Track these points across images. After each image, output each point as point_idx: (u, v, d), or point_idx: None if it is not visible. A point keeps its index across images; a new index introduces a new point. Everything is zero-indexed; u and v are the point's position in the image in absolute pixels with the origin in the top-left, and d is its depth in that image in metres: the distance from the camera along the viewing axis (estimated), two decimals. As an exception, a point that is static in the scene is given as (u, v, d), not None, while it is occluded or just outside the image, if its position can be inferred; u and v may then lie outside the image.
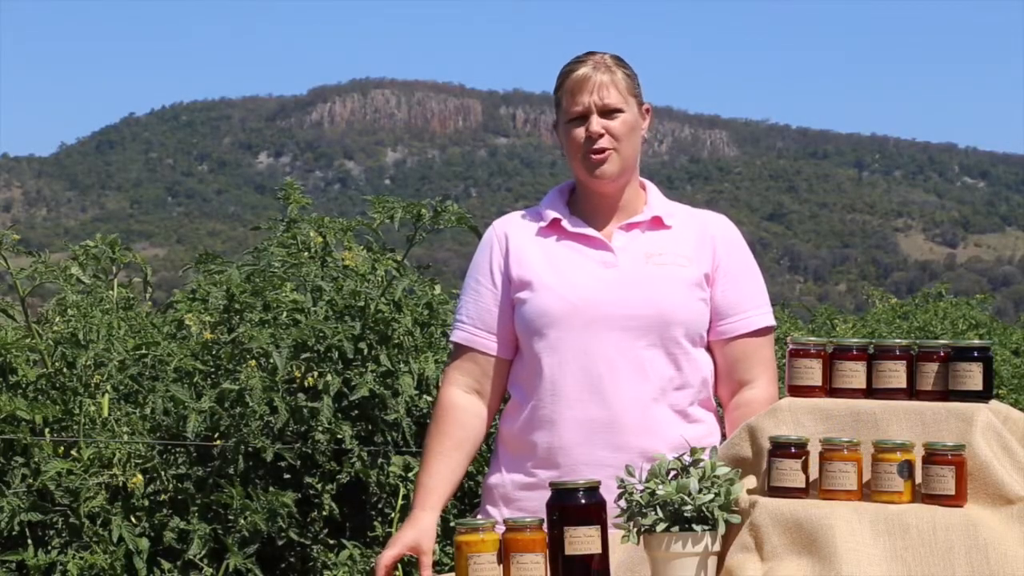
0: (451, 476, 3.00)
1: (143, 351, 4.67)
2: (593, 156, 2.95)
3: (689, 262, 2.98)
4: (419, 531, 2.93)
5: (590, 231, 3.00)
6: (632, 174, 3.03)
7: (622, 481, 2.50)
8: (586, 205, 3.04)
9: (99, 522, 4.27)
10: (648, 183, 3.10)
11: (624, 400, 2.90)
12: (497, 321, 3.02)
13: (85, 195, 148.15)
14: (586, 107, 2.95)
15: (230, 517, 4.41)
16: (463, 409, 3.02)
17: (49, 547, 4.24)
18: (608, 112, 2.95)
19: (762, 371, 3.01)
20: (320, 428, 4.49)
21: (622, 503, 2.49)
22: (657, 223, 3.02)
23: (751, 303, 3.02)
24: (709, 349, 3.02)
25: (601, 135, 2.94)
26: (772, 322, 3.06)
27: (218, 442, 4.49)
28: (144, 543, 4.28)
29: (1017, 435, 2.47)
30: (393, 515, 4.52)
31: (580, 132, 2.96)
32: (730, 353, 3.00)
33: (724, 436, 3.03)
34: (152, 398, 4.53)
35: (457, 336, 3.07)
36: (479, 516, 3.04)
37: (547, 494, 2.54)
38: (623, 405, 2.90)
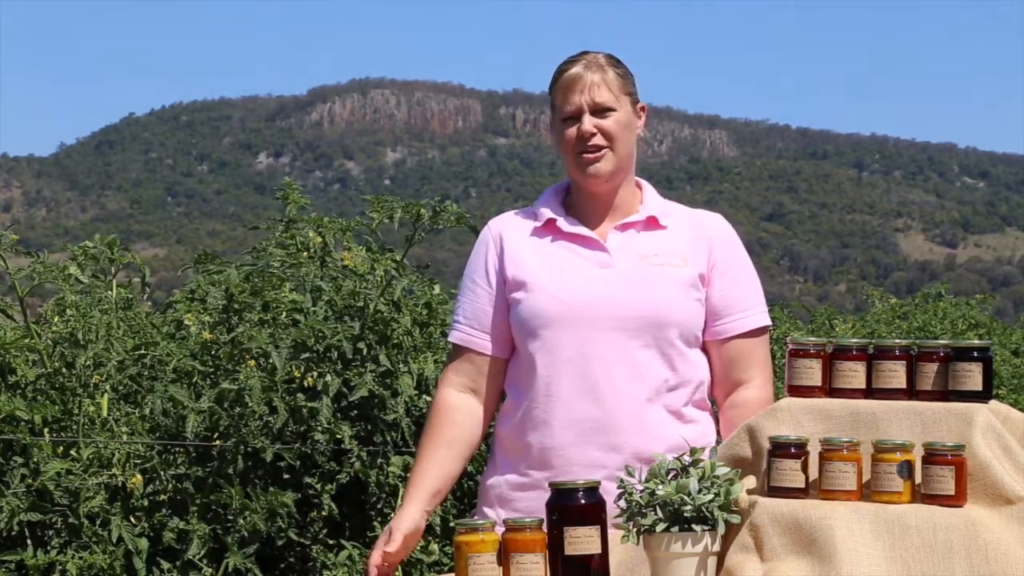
0: (438, 472, 2.99)
1: (142, 351, 4.67)
2: (586, 155, 2.95)
3: (684, 262, 2.97)
4: (393, 524, 2.94)
5: (585, 231, 3.00)
6: (627, 174, 3.03)
7: (622, 481, 2.49)
8: (581, 205, 3.04)
9: (98, 522, 4.26)
10: (644, 183, 3.10)
11: (619, 401, 2.89)
12: (492, 321, 3.02)
13: (85, 195, 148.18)
14: (578, 106, 2.95)
15: (229, 517, 4.41)
16: (454, 407, 3.03)
17: (48, 547, 4.23)
18: (600, 111, 2.95)
19: (758, 371, 3.01)
20: (319, 428, 4.48)
21: (622, 503, 2.48)
22: (652, 223, 3.02)
23: (747, 303, 3.02)
24: (704, 349, 3.02)
25: (593, 134, 2.94)
26: (768, 322, 3.06)
27: (217, 442, 4.48)
28: (143, 543, 4.27)
29: (1017, 435, 2.47)
30: (392, 515, 4.52)
31: (573, 131, 2.96)
32: (726, 353, 3.00)
33: (719, 437, 3.03)
34: (151, 398, 4.53)
35: (453, 336, 3.08)
36: (475, 517, 3.04)
37: (542, 494, 2.54)
38: (617, 406, 2.89)
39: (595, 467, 2.84)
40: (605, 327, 2.90)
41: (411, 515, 2.95)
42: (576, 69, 2.96)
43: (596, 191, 3.01)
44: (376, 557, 2.90)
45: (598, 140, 2.95)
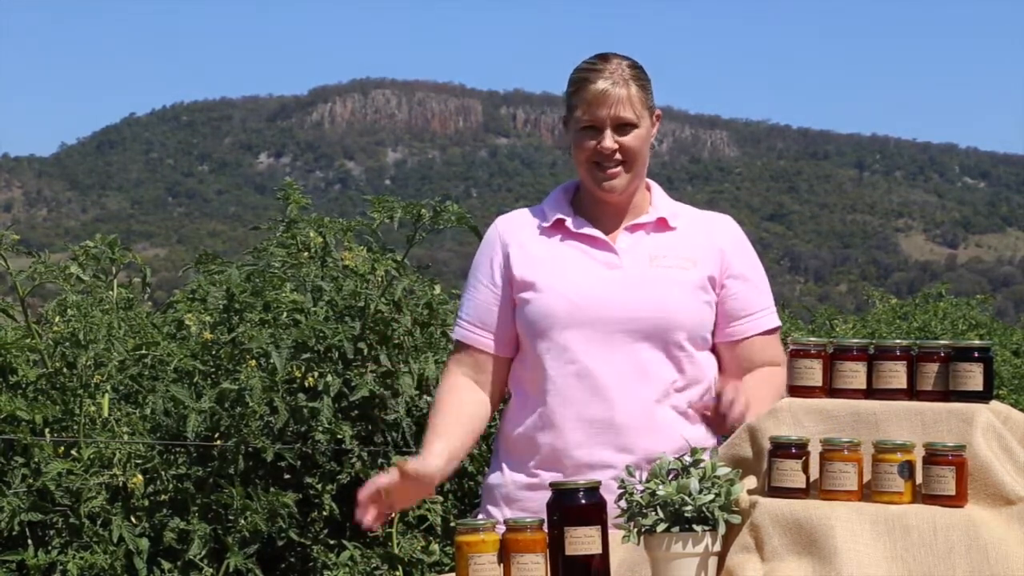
0: (449, 438, 2.95)
1: (143, 351, 4.67)
2: (603, 171, 2.95)
3: (693, 264, 2.97)
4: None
5: (595, 232, 3.00)
6: (639, 182, 3.03)
7: (622, 481, 2.49)
8: (591, 207, 3.04)
9: (99, 522, 4.27)
10: (653, 184, 3.09)
11: (627, 402, 2.89)
12: (496, 320, 3.02)
13: (85, 195, 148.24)
14: (601, 121, 2.93)
15: (230, 517, 4.41)
16: (460, 388, 3.02)
17: (49, 547, 4.23)
18: (622, 127, 2.94)
19: (777, 360, 3.01)
20: (320, 428, 4.48)
21: (622, 503, 2.48)
22: (662, 224, 3.02)
23: (759, 304, 3.02)
24: (715, 349, 3.02)
25: (614, 150, 2.93)
26: (779, 323, 3.08)
27: (218, 442, 4.49)
28: (144, 543, 4.27)
29: (1017, 436, 2.47)
30: (393, 515, 4.52)
31: (591, 144, 2.94)
32: (742, 353, 3.00)
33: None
34: (152, 398, 4.53)
35: (456, 333, 3.08)
36: (479, 516, 3.04)
37: (549, 494, 2.53)
38: (626, 407, 2.89)
39: (605, 467, 2.83)
40: (613, 328, 2.90)
41: (428, 459, 2.88)
42: (603, 84, 2.92)
43: (608, 201, 3.01)
44: (364, 491, 2.83)
45: (617, 157, 2.94)
